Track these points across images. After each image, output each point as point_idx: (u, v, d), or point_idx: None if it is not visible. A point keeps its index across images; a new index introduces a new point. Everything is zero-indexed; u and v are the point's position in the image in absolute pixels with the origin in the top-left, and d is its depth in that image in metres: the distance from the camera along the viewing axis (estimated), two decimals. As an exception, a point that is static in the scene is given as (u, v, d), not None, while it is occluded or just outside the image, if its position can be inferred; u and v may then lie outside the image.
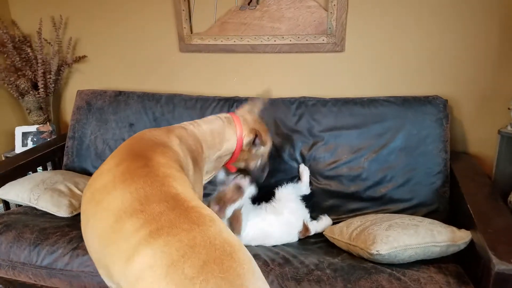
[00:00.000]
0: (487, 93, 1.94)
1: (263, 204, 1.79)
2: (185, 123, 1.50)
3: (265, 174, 1.75)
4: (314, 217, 1.83)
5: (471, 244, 1.39)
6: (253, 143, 1.57)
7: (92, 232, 1.04)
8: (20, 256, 1.61)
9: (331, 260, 1.44)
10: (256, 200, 1.83)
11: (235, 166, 1.64)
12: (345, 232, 1.56)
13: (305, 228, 1.74)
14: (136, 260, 0.85)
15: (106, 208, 0.99)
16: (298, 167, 1.95)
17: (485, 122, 1.98)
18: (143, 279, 0.82)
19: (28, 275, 1.61)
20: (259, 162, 1.68)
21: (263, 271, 1.39)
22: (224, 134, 1.52)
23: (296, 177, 1.94)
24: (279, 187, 1.82)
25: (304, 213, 1.78)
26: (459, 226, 1.49)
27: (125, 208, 0.96)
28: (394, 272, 1.33)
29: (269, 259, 1.46)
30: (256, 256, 1.49)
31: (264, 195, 1.86)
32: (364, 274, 1.32)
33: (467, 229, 1.44)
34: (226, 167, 1.65)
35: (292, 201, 1.78)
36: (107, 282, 1.08)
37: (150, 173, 1.07)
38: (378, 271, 1.34)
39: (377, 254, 1.34)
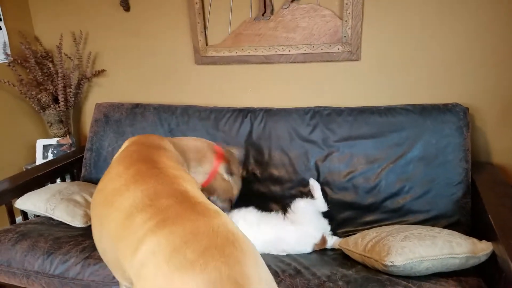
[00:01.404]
0: (510, 101, 1.86)
1: (280, 214, 1.75)
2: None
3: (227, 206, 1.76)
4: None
5: (493, 256, 1.32)
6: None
7: (106, 233, 1.07)
8: (34, 264, 1.62)
9: (345, 272, 1.39)
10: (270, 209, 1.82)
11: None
12: (360, 244, 1.50)
13: (323, 241, 1.69)
14: (142, 248, 0.88)
15: (118, 208, 1.03)
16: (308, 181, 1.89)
17: (509, 131, 1.90)
18: (146, 265, 0.84)
19: (41, 283, 1.61)
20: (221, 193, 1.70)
21: (273, 282, 1.35)
22: (205, 154, 1.61)
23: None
24: (295, 200, 1.76)
25: (325, 226, 1.74)
26: (481, 238, 1.42)
27: (136, 205, 0.99)
28: (410, 284, 1.26)
29: (280, 270, 1.42)
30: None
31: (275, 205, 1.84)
32: (378, 286, 1.26)
33: (488, 241, 1.37)
34: None
35: (310, 213, 1.72)
36: (123, 282, 1.11)
37: (161, 174, 1.11)
38: (393, 283, 1.28)
39: (391, 265, 1.29)
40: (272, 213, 1.75)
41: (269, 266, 1.45)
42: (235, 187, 1.73)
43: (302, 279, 1.35)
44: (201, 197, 1.04)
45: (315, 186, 1.83)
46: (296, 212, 1.72)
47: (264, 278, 0.85)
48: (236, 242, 0.87)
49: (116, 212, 1.02)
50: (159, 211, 0.94)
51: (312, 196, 1.83)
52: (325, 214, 1.80)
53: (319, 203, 1.80)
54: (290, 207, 1.75)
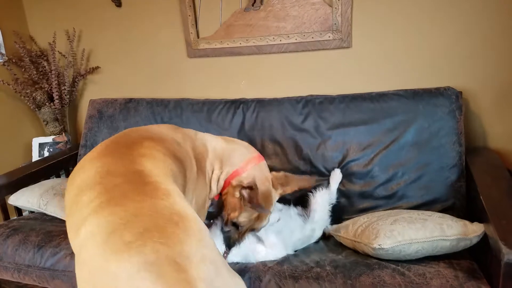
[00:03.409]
0: (506, 85, 1.82)
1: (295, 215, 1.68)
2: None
3: (233, 244, 1.48)
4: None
5: (485, 238, 1.29)
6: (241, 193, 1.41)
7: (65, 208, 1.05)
8: (25, 258, 1.62)
9: (334, 257, 1.37)
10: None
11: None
12: (351, 229, 1.48)
13: (323, 235, 1.67)
14: (83, 229, 0.86)
15: (74, 183, 1.02)
16: (331, 171, 1.82)
17: (505, 115, 1.86)
18: (86, 247, 0.82)
19: (32, 277, 1.61)
20: (241, 220, 1.46)
21: (260, 271, 1.33)
22: (233, 157, 1.47)
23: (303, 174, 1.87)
24: (315, 193, 1.70)
25: (327, 220, 1.70)
26: (475, 221, 1.38)
27: (87, 181, 0.97)
28: (398, 267, 1.24)
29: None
30: (256, 255, 1.43)
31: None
32: (366, 270, 1.24)
33: (481, 223, 1.34)
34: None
35: (324, 213, 1.67)
36: None
37: (126, 153, 1.08)
38: (381, 266, 1.25)
39: (379, 248, 1.26)
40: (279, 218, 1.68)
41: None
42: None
43: (290, 266, 1.33)
44: (156, 176, 1.00)
45: (336, 177, 1.79)
46: (315, 210, 1.66)
47: (208, 257, 0.82)
48: (180, 222, 0.84)
49: (72, 187, 1.01)
50: (105, 190, 0.92)
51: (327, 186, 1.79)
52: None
53: (332, 195, 1.76)
54: (307, 201, 1.70)
